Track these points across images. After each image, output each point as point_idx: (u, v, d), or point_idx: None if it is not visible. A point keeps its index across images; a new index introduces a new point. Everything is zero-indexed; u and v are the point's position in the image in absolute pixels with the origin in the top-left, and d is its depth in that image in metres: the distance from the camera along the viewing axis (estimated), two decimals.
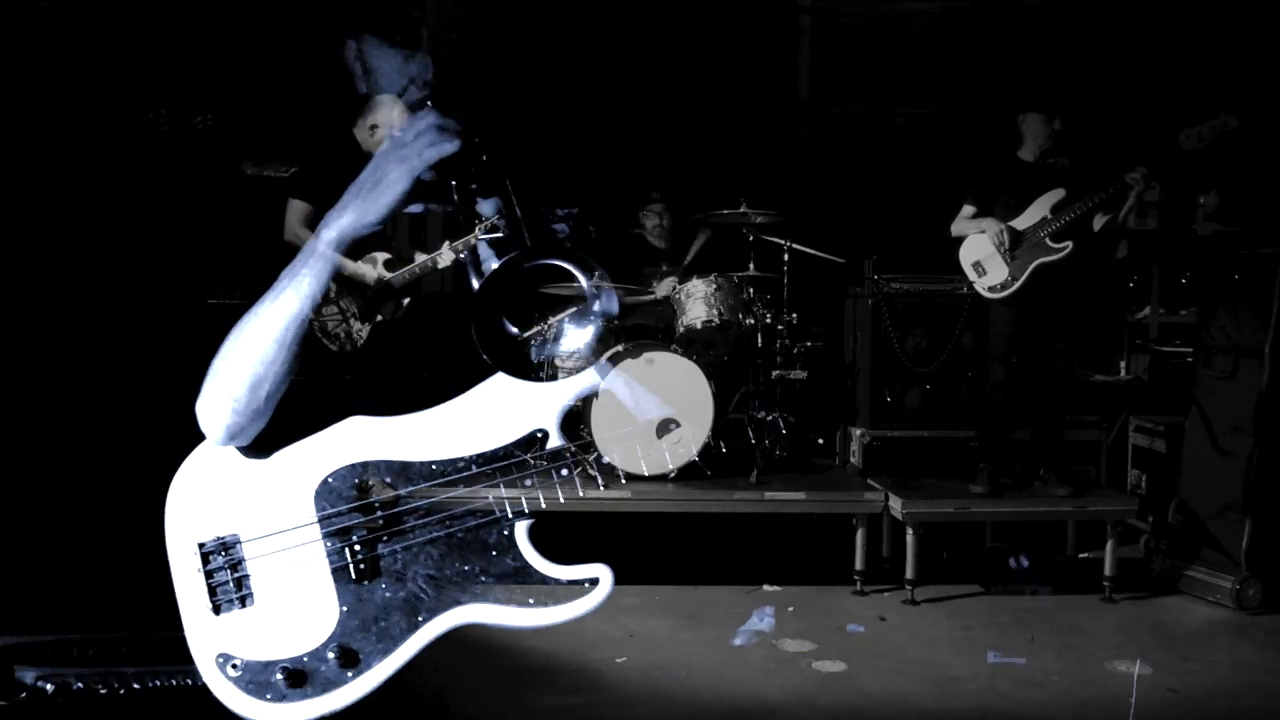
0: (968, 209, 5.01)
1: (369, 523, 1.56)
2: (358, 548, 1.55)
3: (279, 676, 1.51)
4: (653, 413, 1.47)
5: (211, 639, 1.54)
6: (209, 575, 1.55)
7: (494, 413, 1.60)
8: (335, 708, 1.51)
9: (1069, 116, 4.92)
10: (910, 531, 4.71)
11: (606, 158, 6.40)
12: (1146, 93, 6.39)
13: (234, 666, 1.52)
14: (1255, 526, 4.68)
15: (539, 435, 1.62)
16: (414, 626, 1.54)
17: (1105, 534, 4.83)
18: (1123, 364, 6.65)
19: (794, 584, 4.88)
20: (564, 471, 1.62)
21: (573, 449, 1.61)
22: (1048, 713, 3.63)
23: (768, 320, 5.25)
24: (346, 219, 1.52)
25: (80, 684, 1.98)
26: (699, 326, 5.09)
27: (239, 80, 5.83)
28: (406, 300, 5.14)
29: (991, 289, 4.91)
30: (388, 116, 4.98)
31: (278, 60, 6.02)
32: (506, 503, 1.58)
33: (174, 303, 5.34)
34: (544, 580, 1.58)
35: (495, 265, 1.67)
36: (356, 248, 5.05)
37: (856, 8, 7.29)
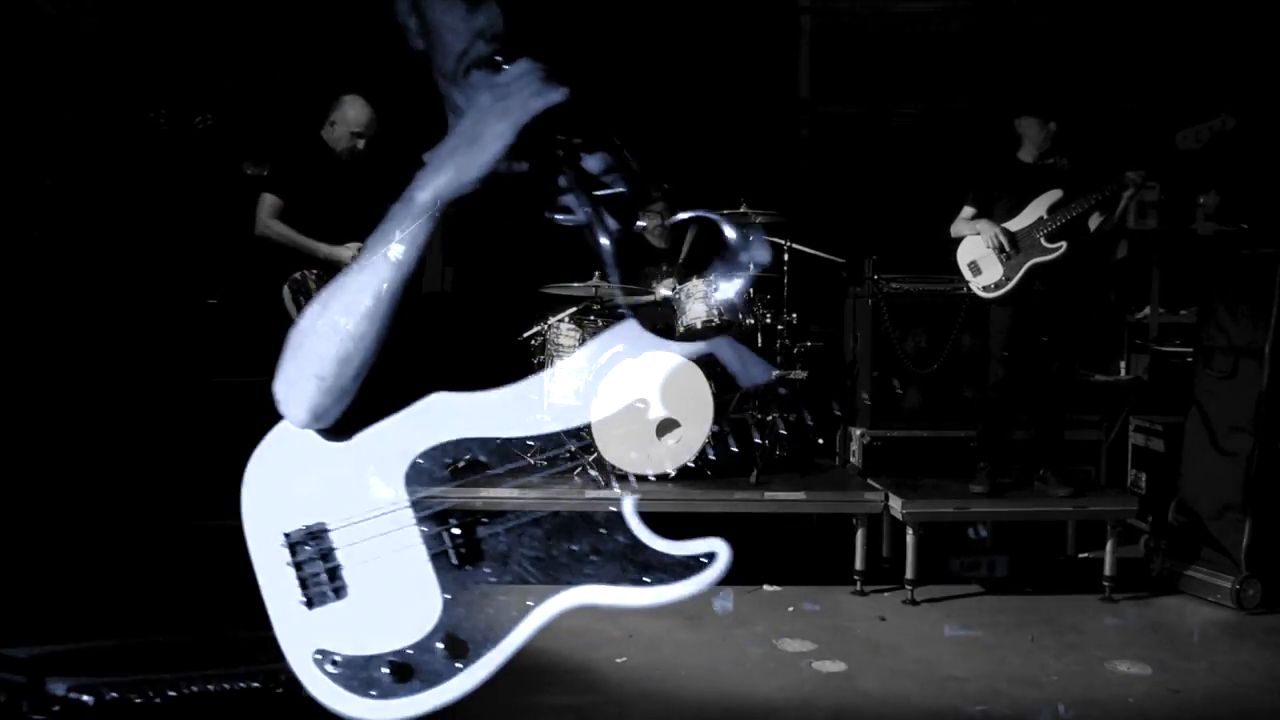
0: (967, 210, 5.04)
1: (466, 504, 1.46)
2: (456, 531, 1.44)
3: (384, 671, 1.40)
4: (761, 377, 1.39)
5: (306, 635, 1.42)
6: (298, 567, 1.43)
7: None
8: (446, 701, 1.40)
9: (1065, 118, 4.93)
10: (910, 531, 4.71)
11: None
12: (1145, 93, 6.39)
13: (334, 663, 1.41)
14: (1255, 526, 4.68)
15: (639, 405, 1.54)
16: (524, 611, 1.43)
17: (1105, 534, 4.83)
18: (1123, 364, 6.65)
19: (794, 584, 4.88)
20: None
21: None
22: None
23: (768, 320, 5.25)
24: (443, 178, 1.35)
25: (115, 694, 1.90)
26: (699, 326, 5.08)
27: (239, 80, 5.84)
28: None
29: (986, 289, 4.93)
30: (344, 114, 5.09)
31: (277, 60, 6.02)
32: (613, 478, 1.50)
33: (174, 302, 5.34)
34: (657, 556, 1.48)
35: (616, 224, 1.52)
36: (331, 237, 5.12)
37: (856, 8, 7.29)
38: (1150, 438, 5.57)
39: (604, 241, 1.43)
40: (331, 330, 1.38)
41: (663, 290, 5.51)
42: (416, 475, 1.46)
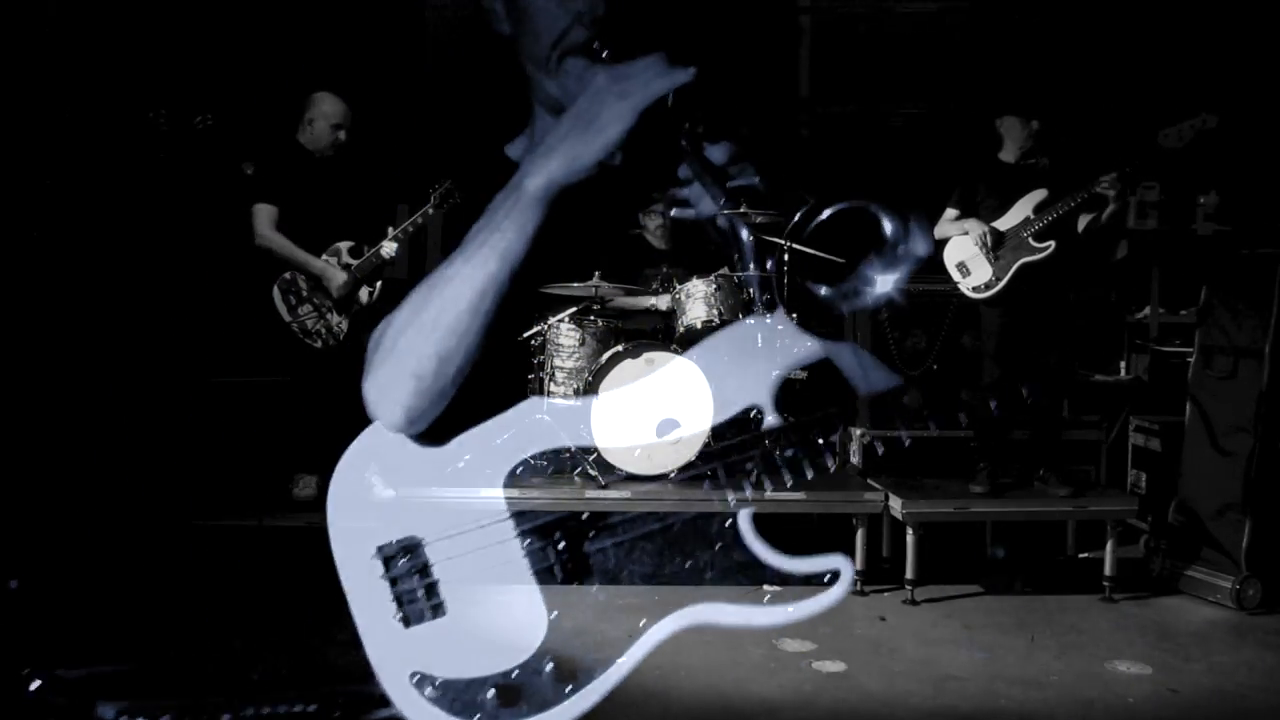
0: (950, 212, 5.04)
1: (572, 517, 1.36)
2: (561, 546, 1.35)
3: (489, 695, 1.29)
4: (882, 385, 1.31)
5: (404, 656, 1.32)
6: (393, 583, 1.33)
7: (701, 387, 1.41)
8: None
9: (1048, 117, 4.93)
10: (910, 531, 4.71)
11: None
12: (1131, 92, 6.39)
13: (434, 686, 1.31)
14: (1255, 526, 4.67)
15: (753, 414, 1.44)
16: (636, 631, 1.35)
17: (1105, 534, 4.83)
18: (1123, 364, 6.65)
19: (794, 584, 4.87)
20: (789, 452, 1.44)
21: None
22: (1048, 712, 3.63)
23: (767, 320, 5.24)
24: (556, 163, 1.23)
25: (169, 717, 1.84)
26: (699, 326, 5.08)
27: (239, 80, 5.84)
28: (379, 283, 5.22)
29: (976, 289, 4.93)
30: (321, 109, 5.16)
31: (277, 61, 6.02)
32: (728, 491, 1.41)
33: (173, 302, 5.34)
34: (776, 574, 1.40)
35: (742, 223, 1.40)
36: (314, 242, 5.15)
37: (856, 8, 7.29)
38: (1150, 438, 5.57)
39: (743, 234, 1.33)
40: (432, 327, 1.27)
41: (662, 304, 5.50)
42: (517, 485, 1.36)
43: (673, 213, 1.36)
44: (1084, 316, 6.28)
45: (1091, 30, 6.83)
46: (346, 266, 5.13)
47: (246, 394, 5.23)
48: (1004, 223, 4.88)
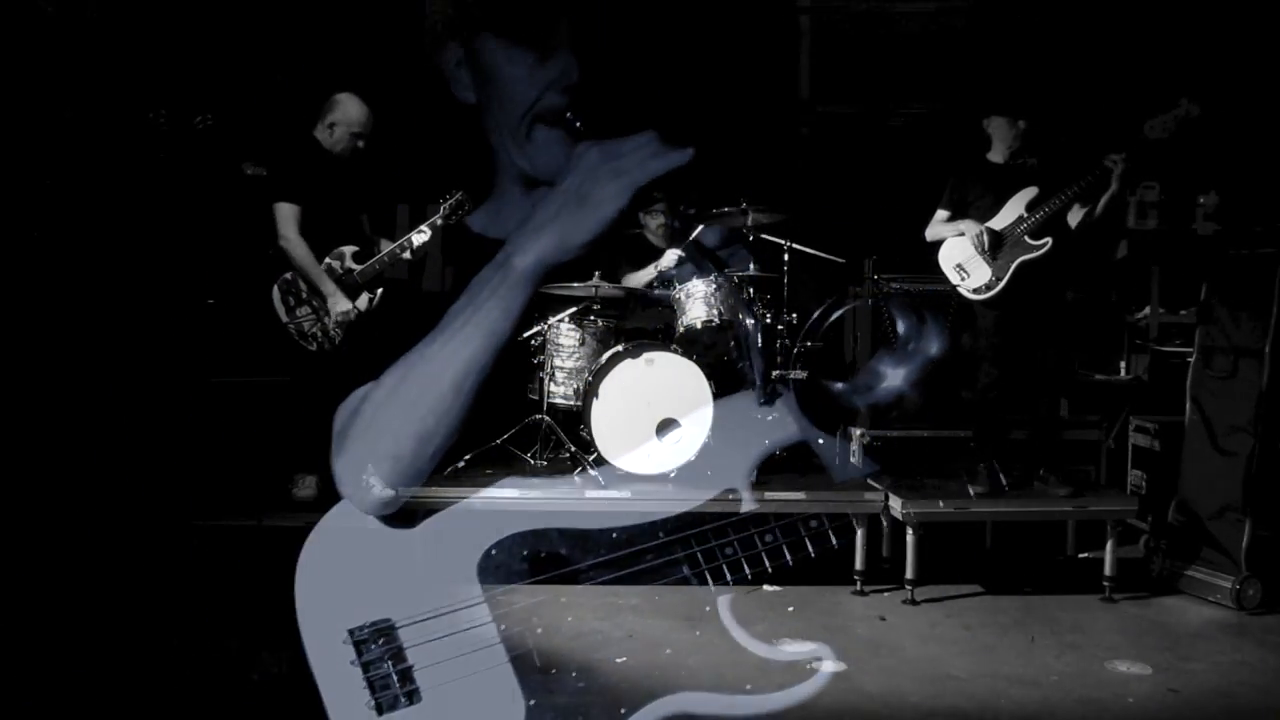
0: (942, 213, 5.02)
1: (548, 602, 1.34)
2: (540, 630, 1.34)
3: None
4: (862, 474, 1.30)
5: None
6: (365, 667, 1.28)
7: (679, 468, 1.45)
8: None
9: (1035, 117, 4.92)
10: (910, 531, 4.71)
11: None
12: (1122, 91, 6.39)
13: None
14: (1255, 526, 4.68)
15: (730, 496, 1.42)
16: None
17: (1105, 534, 4.83)
18: (1123, 364, 6.65)
19: (794, 584, 4.88)
20: (767, 538, 1.43)
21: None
22: (1048, 712, 3.63)
23: (768, 320, 5.25)
24: (546, 242, 1.19)
25: None
26: (699, 326, 5.08)
27: (239, 80, 5.84)
28: (379, 290, 5.20)
29: (976, 290, 4.90)
30: (346, 114, 5.08)
31: (277, 60, 6.02)
32: (708, 574, 1.40)
33: (173, 302, 5.34)
34: (756, 660, 1.39)
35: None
36: (322, 241, 5.13)
37: (856, 8, 7.29)
38: (1150, 438, 5.57)
39: (749, 322, 1.34)
40: (411, 406, 1.23)
41: (632, 282, 5.47)
42: (492, 568, 1.32)
43: (655, 294, 1.36)
44: (1084, 316, 6.28)
45: (1084, 29, 6.83)
46: (349, 271, 5.10)
47: (246, 394, 5.23)
48: (998, 222, 4.87)
